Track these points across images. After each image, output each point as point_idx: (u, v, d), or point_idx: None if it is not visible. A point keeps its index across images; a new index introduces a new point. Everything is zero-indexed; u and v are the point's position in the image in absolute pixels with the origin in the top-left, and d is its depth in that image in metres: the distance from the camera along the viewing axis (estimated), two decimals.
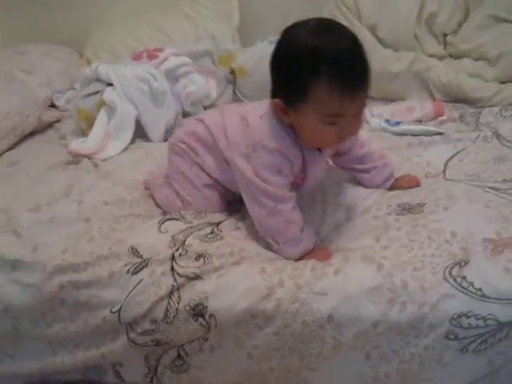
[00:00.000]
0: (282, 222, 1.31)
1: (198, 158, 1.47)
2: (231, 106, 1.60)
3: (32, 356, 1.42)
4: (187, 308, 1.25)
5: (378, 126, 1.87)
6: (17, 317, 1.38)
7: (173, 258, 1.30)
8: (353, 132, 1.28)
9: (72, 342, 1.38)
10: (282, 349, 1.23)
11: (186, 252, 1.31)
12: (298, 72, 1.18)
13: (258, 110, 1.34)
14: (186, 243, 1.33)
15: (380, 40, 2.23)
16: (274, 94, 1.28)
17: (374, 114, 1.94)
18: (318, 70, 1.15)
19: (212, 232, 1.38)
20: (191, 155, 1.48)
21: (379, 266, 1.19)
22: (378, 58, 2.12)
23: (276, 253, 1.34)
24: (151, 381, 1.36)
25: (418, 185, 1.51)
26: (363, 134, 1.79)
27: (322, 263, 1.25)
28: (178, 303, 1.25)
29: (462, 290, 1.14)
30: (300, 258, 1.32)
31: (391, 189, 1.51)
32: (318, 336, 1.20)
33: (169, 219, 1.44)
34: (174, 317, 1.26)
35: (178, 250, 1.32)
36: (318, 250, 1.34)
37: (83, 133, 2.03)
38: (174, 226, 1.41)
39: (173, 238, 1.35)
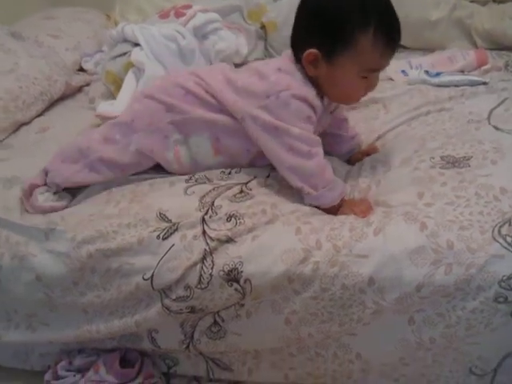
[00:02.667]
0: (318, 164, 1.28)
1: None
2: (223, 65, 1.53)
3: (67, 324, 1.41)
4: (221, 273, 1.21)
5: (418, 78, 1.79)
6: (49, 285, 1.35)
7: (203, 220, 1.26)
8: (374, 88, 1.33)
9: (106, 310, 1.35)
10: (320, 314, 1.19)
11: (216, 213, 1.27)
12: (345, 23, 1.20)
13: (272, 65, 1.34)
14: (214, 204, 1.29)
15: None
16: (304, 44, 1.26)
17: (413, 66, 1.86)
18: (367, 23, 1.19)
19: (241, 191, 1.34)
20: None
21: (422, 226, 1.13)
22: (417, 5, 2.05)
23: (314, 203, 1.29)
24: (187, 347, 1.34)
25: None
26: (403, 85, 1.73)
27: (360, 222, 1.20)
28: (212, 268, 1.22)
29: None
30: (339, 210, 1.29)
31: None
32: (359, 300, 1.15)
33: (195, 183, 1.39)
34: (208, 282, 1.22)
35: (207, 212, 1.27)
36: (358, 202, 1.30)
37: (112, 95, 1.99)
38: (200, 189, 1.36)
39: (200, 200, 1.31)
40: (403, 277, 1.11)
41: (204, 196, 1.32)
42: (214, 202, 1.30)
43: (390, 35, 1.22)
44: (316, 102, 1.28)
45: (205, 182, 1.38)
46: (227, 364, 1.37)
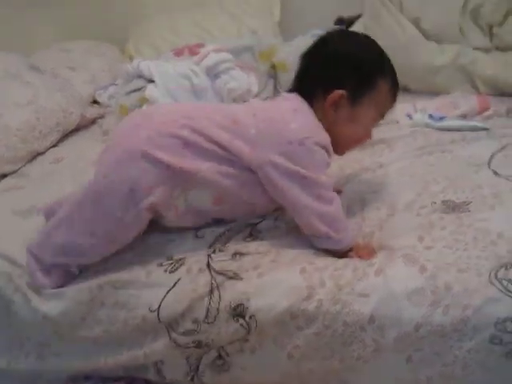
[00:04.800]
0: (339, 209, 1.29)
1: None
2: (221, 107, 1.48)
3: (77, 355, 1.43)
4: (228, 308, 1.24)
5: (422, 122, 1.84)
6: (57, 323, 1.39)
7: (209, 256, 1.31)
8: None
9: (115, 343, 1.38)
10: (322, 350, 1.22)
11: (222, 251, 1.32)
12: (370, 68, 1.31)
13: (285, 106, 1.33)
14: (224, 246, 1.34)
15: (424, 32, 2.20)
16: (324, 86, 1.30)
17: (418, 109, 1.92)
18: (383, 69, 1.33)
19: (250, 235, 1.38)
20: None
21: (422, 268, 1.17)
22: (422, 51, 2.12)
23: (332, 247, 1.30)
24: (192, 379, 1.36)
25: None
26: (407, 127, 1.78)
27: (363, 263, 1.24)
28: (219, 303, 1.25)
29: (508, 293, 1.11)
30: (346, 254, 1.30)
31: None
32: (359, 338, 1.18)
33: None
34: (215, 317, 1.25)
35: (214, 251, 1.33)
36: (362, 247, 1.32)
37: None
38: (211, 232, 1.40)
39: (210, 246, 1.36)
40: (402, 316, 1.14)
41: (214, 241, 1.37)
42: (224, 245, 1.35)
43: (397, 82, 1.35)
44: (331, 147, 1.32)
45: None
46: None
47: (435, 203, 1.37)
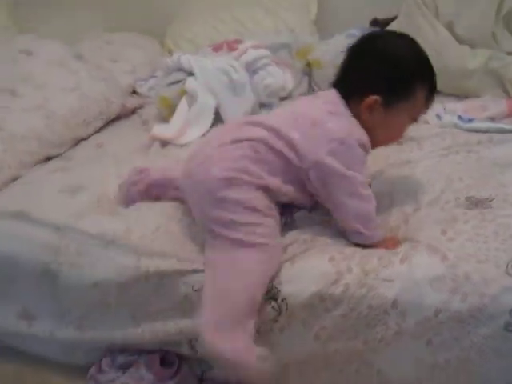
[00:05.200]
0: (374, 207, 1.35)
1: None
2: (254, 119, 1.43)
3: (115, 327, 1.52)
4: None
5: (450, 123, 1.89)
6: (105, 291, 1.47)
7: None
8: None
9: (153, 317, 1.46)
10: (348, 331, 1.29)
11: None
12: (411, 76, 1.32)
13: (321, 109, 1.35)
14: None
15: (456, 37, 2.22)
16: (363, 89, 1.32)
17: (447, 111, 1.96)
18: (423, 77, 1.34)
19: (286, 223, 1.43)
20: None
21: (443, 257, 1.23)
22: (454, 55, 2.14)
23: (364, 242, 1.35)
24: None
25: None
26: (436, 128, 1.83)
27: (388, 252, 1.30)
28: None
29: None
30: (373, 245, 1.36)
31: None
32: (383, 321, 1.25)
33: None
34: None
35: None
36: (388, 239, 1.38)
37: (164, 119, 2.15)
38: None
39: None
40: (423, 302, 1.21)
41: None
42: None
43: (433, 90, 1.37)
44: (369, 144, 1.35)
45: None
46: None
47: (459, 199, 1.42)
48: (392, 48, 1.34)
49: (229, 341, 1.23)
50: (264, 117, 1.43)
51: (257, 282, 1.27)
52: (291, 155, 1.31)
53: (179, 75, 2.17)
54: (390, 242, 1.36)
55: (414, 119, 1.40)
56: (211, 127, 2.07)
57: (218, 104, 2.06)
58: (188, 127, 2.03)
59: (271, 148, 1.31)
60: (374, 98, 1.31)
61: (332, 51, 2.25)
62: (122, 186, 1.60)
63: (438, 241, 1.29)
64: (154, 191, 1.57)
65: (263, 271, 1.28)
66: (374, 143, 1.39)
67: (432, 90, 1.36)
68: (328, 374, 1.39)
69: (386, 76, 1.32)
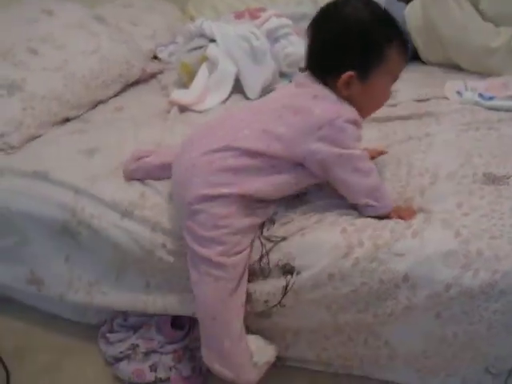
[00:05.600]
0: (377, 179, 1.35)
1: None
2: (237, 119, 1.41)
3: (125, 294, 1.55)
4: (277, 267, 1.34)
5: (471, 100, 1.87)
6: (122, 255, 1.50)
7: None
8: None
9: (167, 287, 1.50)
10: (358, 303, 1.30)
11: (274, 223, 1.38)
12: (375, 42, 1.29)
13: (304, 95, 1.34)
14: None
15: (481, 13, 2.19)
16: (335, 67, 1.30)
17: (468, 87, 1.95)
18: (390, 37, 1.30)
19: (297, 196, 1.43)
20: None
21: (457, 233, 1.24)
22: (478, 32, 2.11)
23: (374, 214, 1.35)
24: None
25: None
26: (456, 104, 1.82)
27: (401, 225, 1.30)
28: (269, 263, 1.35)
29: None
30: (387, 216, 1.36)
31: None
32: (393, 295, 1.26)
33: None
34: (268, 272, 1.35)
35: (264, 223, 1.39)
36: (404, 209, 1.38)
37: (184, 85, 2.15)
38: None
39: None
40: (435, 276, 1.22)
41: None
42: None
43: (405, 42, 1.34)
44: (360, 119, 1.33)
45: None
46: (268, 339, 1.47)
47: (476, 174, 1.41)
48: (347, 18, 1.31)
49: (222, 370, 1.32)
50: (249, 113, 1.40)
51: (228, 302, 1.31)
52: (281, 152, 1.30)
53: (201, 41, 2.16)
54: (406, 212, 1.36)
55: (396, 78, 1.37)
56: (230, 95, 2.08)
57: (239, 71, 2.06)
58: (208, 94, 2.03)
59: (259, 152, 1.29)
60: (348, 74, 1.29)
61: None
62: (124, 172, 1.59)
63: (453, 215, 1.29)
64: (154, 175, 1.56)
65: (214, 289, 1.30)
66: (364, 114, 1.38)
67: (402, 46, 1.33)
68: (337, 340, 1.42)
69: (353, 50, 1.30)
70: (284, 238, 1.35)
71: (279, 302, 1.35)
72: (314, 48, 1.36)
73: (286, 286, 1.33)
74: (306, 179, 1.36)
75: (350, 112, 1.31)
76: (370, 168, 1.33)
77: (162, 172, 1.51)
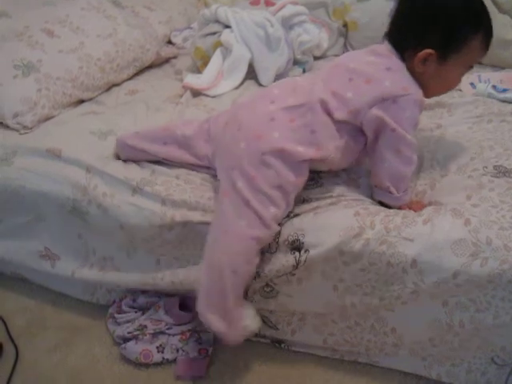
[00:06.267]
0: (411, 171, 1.36)
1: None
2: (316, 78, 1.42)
3: (137, 271, 1.57)
4: (286, 242, 1.35)
5: (485, 92, 1.87)
6: (131, 233, 1.51)
7: None
8: None
9: (177, 264, 1.51)
10: (365, 286, 1.32)
11: None
12: (462, 27, 1.29)
13: (379, 64, 1.34)
14: None
15: (497, 6, 2.18)
16: (416, 43, 1.31)
17: (482, 79, 1.94)
18: (478, 27, 1.30)
19: (313, 179, 1.44)
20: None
21: (467, 222, 1.24)
22: (494, 24, 2.09)
23: (387, 202, 1.38)
24: None
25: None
26: (469, 96, 1.81)
27: (413, 213, 1.32)
28: (278, 239, 1.36)
29: None
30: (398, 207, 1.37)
31: None
32: (400, 279, 1.27)
33: None
34: (276, 248, 1.36)
35: None
36: (414, 202, 1.40)
37: (198, 70, 2.16)
38: None
39: None
40: (443, 263, 1.22)
41: None
42: None
43: (490, 39, 1.34)
44: (423, 103, 1.34)
45: None
46: (274, 323, 1.51)
47: (486, 167, 1.42)
48: (440, 1, 1.30)
49: (217, 321, 1.33)
50: (321, 76, 1.41)
51: (242, 252, 1.31)
52: (345, 115, 1.32)
53: (215, 27, 2.16)
54: (417, 205, 1.37)
55: (471, 66, 1.38)
56: (243, 81, 2.08)
57: (253, 58, 2.06)
58: (221, 79, 2.04)
59: (328, 111, 1.32)
60: (428, 51, 1.30)
61: (370, 13, 2.23)
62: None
63: (463, 206, 1.30)
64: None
65: (250, 246, 1.32)
66: (430, 94, 1.40)
67: (487, 37, 1.32)
68: (344, 325, 1.43)
69: (438, 29, 1.29)
70: (296, 214, 1.37)
71: (290, 272, 1.37)
72: (399, 18, 1.36)
73: (297, 259, 1.34)
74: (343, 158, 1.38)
75: (416, 92, 1.32)
76: (412, 159, 1.34)
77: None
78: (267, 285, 1.43)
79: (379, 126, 1.31)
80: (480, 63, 2.10)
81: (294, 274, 1.37)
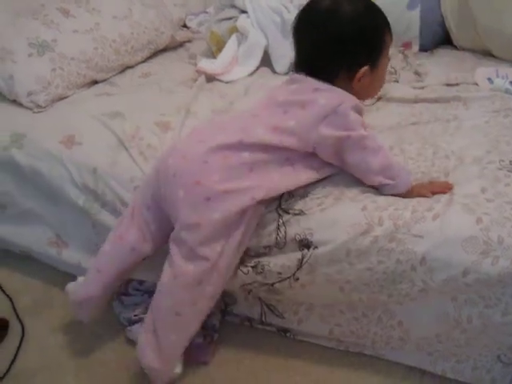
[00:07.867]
0: (387, 154, 1.36)
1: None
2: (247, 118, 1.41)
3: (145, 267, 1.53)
4: (294, 241, 1.34)
5: (502, 87, 1.85)
6: None
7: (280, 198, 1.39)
8: None
9: None
10: (372, 285, 1.31)
11: (293, 196, 1.39)
12: (379, 33, 1.38)
13: (306, 90, 1.35)
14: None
15: None
16: (349, 68, 1.35)
17: (499, 75, 1.92)
18: (386, 24, 1.39)
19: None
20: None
21: (479, 220, 1.22)
22: (511, 19, 2.08)
23: (392, 192, 1.35)
24: (249, 292, 1.49)
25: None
26: (486, 90, 1.79)
27: (422, 206, 1.29)
28: (285, 237, 1.35)
29: None
30: (416, 192, 1.35)
31: None
32: (409, 277, 1.26)
33: None
34: (284, 244, 1.36)
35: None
36: (439, 182, 1.38)
37: (212, 55, 2.15)
38: None
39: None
40: (452, 261, 1.21)
41: None
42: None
43: (388, 22, 1.40)
44: (361, 105, 1.38)
45: None
46: (280, 312, 1.51)
47: (503, 161, 1.40)
48: (343, 18, 1.34)
49: (158, 358, 1.36)
50: (251, 115, 1.41)
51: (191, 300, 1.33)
52: (295, 144, 1.33)
53: (231, 12, 2.15)
54: (442, 186, 1.36)
55: (389, 58, 1.46)
56: (258, 68, 2.07)
57: (268, 44, 2.04)
58: (235, 64, 2.03)
59: (273, 146, 1.31)
60: (363, 69, 1.35)
61: (386, 4, 2.20)
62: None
63: (475, 200, 1.28)
64: None
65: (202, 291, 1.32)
66: (367, 97, 1.52)
67: (388, 25, 1.39)
68: (351, 316, 1.43)
69: (366, 46, 1.35)
70: (302, 212, 1.35)
71: (293, 275, 1.35)
72: (309, 51, 1.39)
73: (302, 259, 1.33)
74: (322, 168, 1.39)
75: (351, 99, 1.34)
76: (379, 146, 1.34)
77: None
78: (270, 290, 1.43)
79: (335, 142, 1.32)
80: (498, 58, 2.08)
81: (297, 279, 1.36)
